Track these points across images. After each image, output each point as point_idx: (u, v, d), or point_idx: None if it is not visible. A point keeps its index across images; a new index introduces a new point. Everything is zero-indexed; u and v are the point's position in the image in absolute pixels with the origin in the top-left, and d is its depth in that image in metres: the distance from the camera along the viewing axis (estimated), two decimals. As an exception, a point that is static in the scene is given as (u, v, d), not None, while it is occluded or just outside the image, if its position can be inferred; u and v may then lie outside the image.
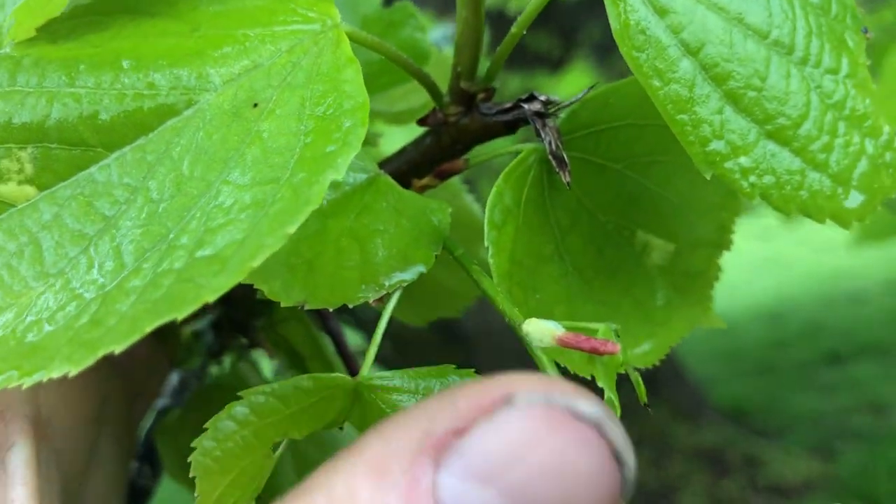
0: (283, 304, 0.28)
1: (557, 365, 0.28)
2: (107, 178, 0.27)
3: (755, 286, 5.48)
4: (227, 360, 0.47)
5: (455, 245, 0.31)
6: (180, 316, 0.22)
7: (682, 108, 0.27)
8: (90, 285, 0.25)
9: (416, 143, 0.34)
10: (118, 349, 0.22)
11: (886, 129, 0.29)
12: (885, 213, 1.63)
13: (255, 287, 0.28)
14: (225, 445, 0.28)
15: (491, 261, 0.30)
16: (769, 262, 5.90)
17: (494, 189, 0.31)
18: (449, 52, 0.34)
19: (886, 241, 1.68)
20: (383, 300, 0.30)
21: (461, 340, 3.16)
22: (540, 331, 0.27)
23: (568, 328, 0.27)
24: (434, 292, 0.43)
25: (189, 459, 0.27)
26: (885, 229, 1.63)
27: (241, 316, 0.45)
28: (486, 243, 0.30)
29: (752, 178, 0.28)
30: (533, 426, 0.21)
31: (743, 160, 0.28)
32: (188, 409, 0.45)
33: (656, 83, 0.27)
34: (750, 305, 5.07)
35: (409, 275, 0.30)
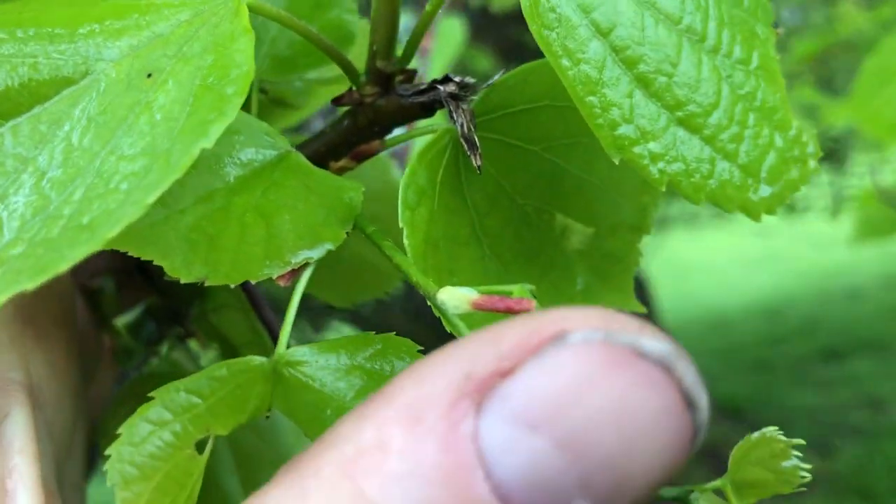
0: (182, 280, 0.27)
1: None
2: None
3: (752, 283, 5.49)
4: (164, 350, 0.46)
5: (366, 222, 0.30)
6: (30, 286, 0.21)
7: (592, 90, 0.27)
8: None
9: (334, 124, 0.33)
10: None
11: (795, 123, 0.29)
12: (884, 210, 1.62)
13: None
14: (143, 449, 0.26)
15: (406, 241, 0.29)
16: (766, 258, 5.90)
17: (408, 169, 0.30)
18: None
19: (885, 239, 1.66)
20: (291, 278, 0.29)
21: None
22: (455, 297, 0.26)
23: (482, 293, 0.26)
24: (359, 272, 0.42)
25: (104, 468, 0.26)
26: (884, 226, 1.62)
27: (175, 305, 0.44)
28: (400, 224, 0.29)
29: (661, 165, 0.27)
30: (589, 366, 0.19)
31: (652, 146, 0.27)
32: (118, 401, 0.44)
33: (566, 63, 0.27)
34: (747, 302, 5.07)
35: (317, 252, 0.29)
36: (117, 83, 0.26)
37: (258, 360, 0.28)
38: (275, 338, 0.40)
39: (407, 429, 0.19)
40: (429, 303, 0.27)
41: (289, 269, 0.28)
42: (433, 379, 0.20)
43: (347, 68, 0.31)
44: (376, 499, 0.19)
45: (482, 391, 0.19)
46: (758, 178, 0.28)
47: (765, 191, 0.28)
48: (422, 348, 0.29)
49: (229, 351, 0.42)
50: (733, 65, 0.28)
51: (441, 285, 0.29)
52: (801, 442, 0.25)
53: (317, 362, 0.28)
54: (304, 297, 0.30)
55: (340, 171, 0.33)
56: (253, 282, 0.28)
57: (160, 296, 0.44)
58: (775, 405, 3.48)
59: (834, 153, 3.37)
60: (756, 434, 0.25)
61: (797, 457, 0.25)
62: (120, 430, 0.26)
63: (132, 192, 0.23)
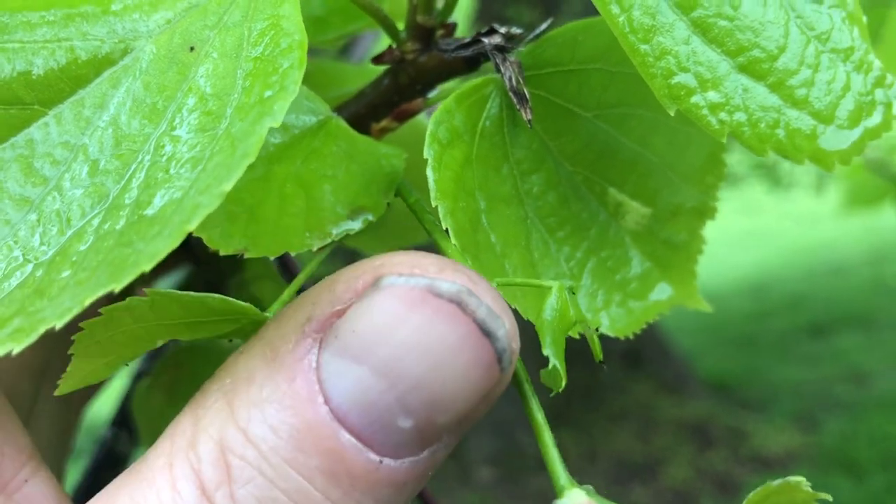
0: (221, 253, 0.27)
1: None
2: (45, 137, 0.25)
3: (738, 259, 5.51)
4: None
5: (409, 191, 0.29)
6: (118, 287, 0.21)
7: (644, 38, 0.26)
8: (33, 252, 0.24)
9: (374, 84, 0.32)
10: (59, 324, 0.21)
11: (878, 63, 0.27)
12: (872, 179, 1.61)
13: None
14: (112, 333, 0.26)
15: (430, 174, 0.27)
16: (752, 235, 5.92)
17: (442, 106, 0.28)
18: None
19: (873, 207, 1.65)
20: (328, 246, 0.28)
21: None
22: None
23: (520, 284, 0.26)
24: (401, 219, 0.40)
25: (73, 337, 0.26)
26: (872, 195, 1.61)
27: (213, 276, 0.44)
28: (425, 155, 0.28)
29: (722, 115, 0.26)
30: (395, 307, 0.23)
31: (711, 95, 0.26)
32: (158, 373, 0.44)
33: (615, 10, 0.26)
34: (733, 278, 5.09)
35: (357, 223, 0.28)
36: (159, 59, 0.25)
37: (254, 310, 0.28)
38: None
39: (266, 362, 0.24)
40: None
41: (329, 240, 0.28)
42: (286, 320, 0.24)
43: (386, 24, 0.30)
44: (242, 422, 0.23)
45: (321, 330, 0.23)
46: (831, 124, 0.26)
47: (840, 138, 0.26)
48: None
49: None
50: (804, 3, 0.27)
51: (474, 235, 0.28)
52: (828, 497, 0.24)
53: None
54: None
55: (382, 133, 0.32)
56: (293, 253, 0.28)
57: (198, 265, 0.44)
58: (761, 380, 3.50)
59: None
60: (778, 481, 0.24)
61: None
62: (102, 310, 0.26)
63: (199, 179, 0.22)
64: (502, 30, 0.29)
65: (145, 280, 0.44)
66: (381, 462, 0.23)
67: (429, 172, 0.27)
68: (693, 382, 3.44)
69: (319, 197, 0.28)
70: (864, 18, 0.28)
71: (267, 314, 0.28)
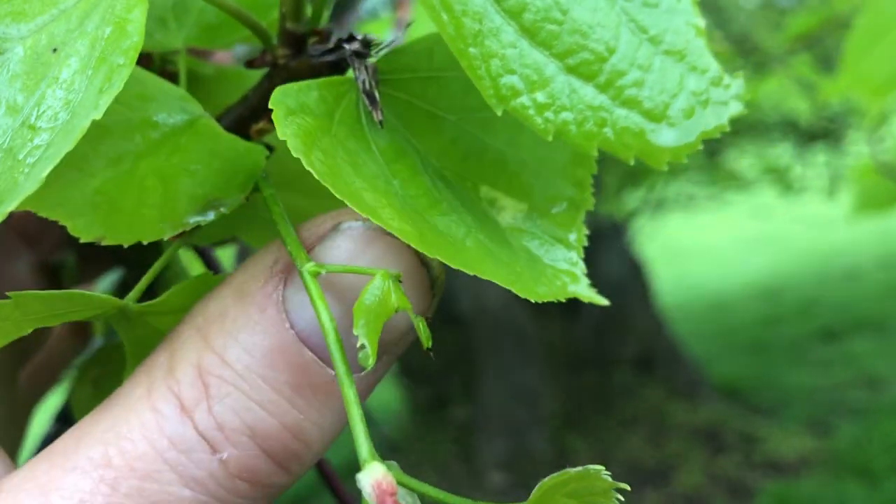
0: (82, 240, 0.28)
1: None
2: None
3: (750, 264, 5.48)
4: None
5: (266, 185, 0.31)
6: None
7: (472, 42, 0.27)
8: None
9: (256, 87, 0.34)
10: None
11: (714, 65, 0.28)
12: (883, 183, 1.60)
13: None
14: None
15: (280, 128, 0.27)
16: (764, 239, 5.88)
17: (291, 84, 0.29)
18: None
19: (885, 211, 1.64)
20: (179, 237, 0.30)
21: (457, 320, 3.16)
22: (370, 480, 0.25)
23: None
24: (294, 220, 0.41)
25: None
26: (883, 199, 1.61)
27: (139, 276, 0.46)
28: (270, 105, 0.28)
29: (548, 115, 0.27)
30: (353, 244, 0.27)
31: (538, 95, 0.27)
32: (85, 368, 0.45)
33: (444, 17, 0.26)
34: (745, 284, 5.06)
35: (211, 215, 0.30)
36: (26, 60, 0.27)
37: (112, 300, 0.30)
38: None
39: (238, 300, 0.28)
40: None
41: (182, 230, 0.30)
42: (255, 266, 0.28)
43: (259, 32, 0.32)
44: (218, 348, 0.27)
45: (286, 271, 0.28)
46: (662, 123, 0.27)
47: (671, 136, 0.27)
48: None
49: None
50: (639, 7, 0.28)
51: (340, 177, 0.29)
52: (626, 487, 0.25)
53: (158, 311, 0.31)
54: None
55: (260, 134, 0.33)
56: (144, 242, 0.29)
57: (125, 266, 0.46)
58: (773, 386, 3.48)
59: (830, 133, 3.35)
60: (578, 468, 0.25)
61: (618, 500, 0.25)
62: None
63: (35, 166, 0.25)
64: (359, 36, 0.31)
65: (82, 282, 0.46)
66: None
67: (279, 128, 0.28)
68: (705, 387, 3.43)
69: (176, 190, 0.29)
70: (702, 22, 0.29)
71: (126, 301, 0.31)
